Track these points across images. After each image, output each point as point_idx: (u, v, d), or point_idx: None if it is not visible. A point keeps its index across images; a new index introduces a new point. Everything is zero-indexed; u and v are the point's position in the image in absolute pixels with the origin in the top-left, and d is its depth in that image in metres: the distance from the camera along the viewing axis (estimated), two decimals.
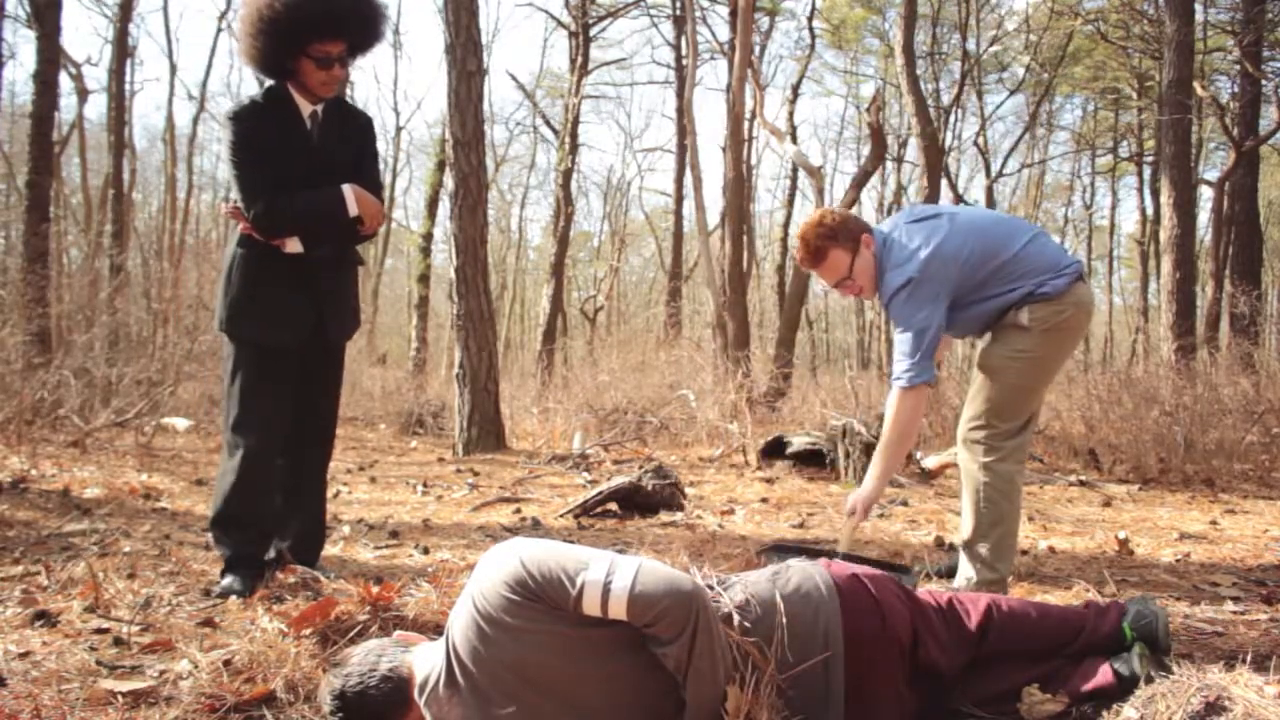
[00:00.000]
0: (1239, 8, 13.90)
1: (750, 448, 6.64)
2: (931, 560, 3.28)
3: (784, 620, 1.67)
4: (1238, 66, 13.73)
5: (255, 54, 2.76)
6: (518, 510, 4.71)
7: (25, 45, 43.06)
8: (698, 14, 17.22)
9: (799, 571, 1.79)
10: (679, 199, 20.07)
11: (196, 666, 1.98)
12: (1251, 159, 12.95)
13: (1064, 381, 8.05)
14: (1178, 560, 3.54)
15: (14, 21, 14.09)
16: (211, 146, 26.41)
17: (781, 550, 2.87)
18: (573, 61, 19.60)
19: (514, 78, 27.27)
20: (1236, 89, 14.45)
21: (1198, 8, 12.26)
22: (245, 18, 2.73)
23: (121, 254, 13.34)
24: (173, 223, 21.65)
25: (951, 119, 20.66)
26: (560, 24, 21.20)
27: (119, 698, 1.84)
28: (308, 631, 2.09)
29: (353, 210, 2.84)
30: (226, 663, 1.99)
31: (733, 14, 14.53)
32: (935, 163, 12.30)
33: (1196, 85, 12.44)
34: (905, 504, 4.91)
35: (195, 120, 22.74)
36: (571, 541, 2.18)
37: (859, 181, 12.15)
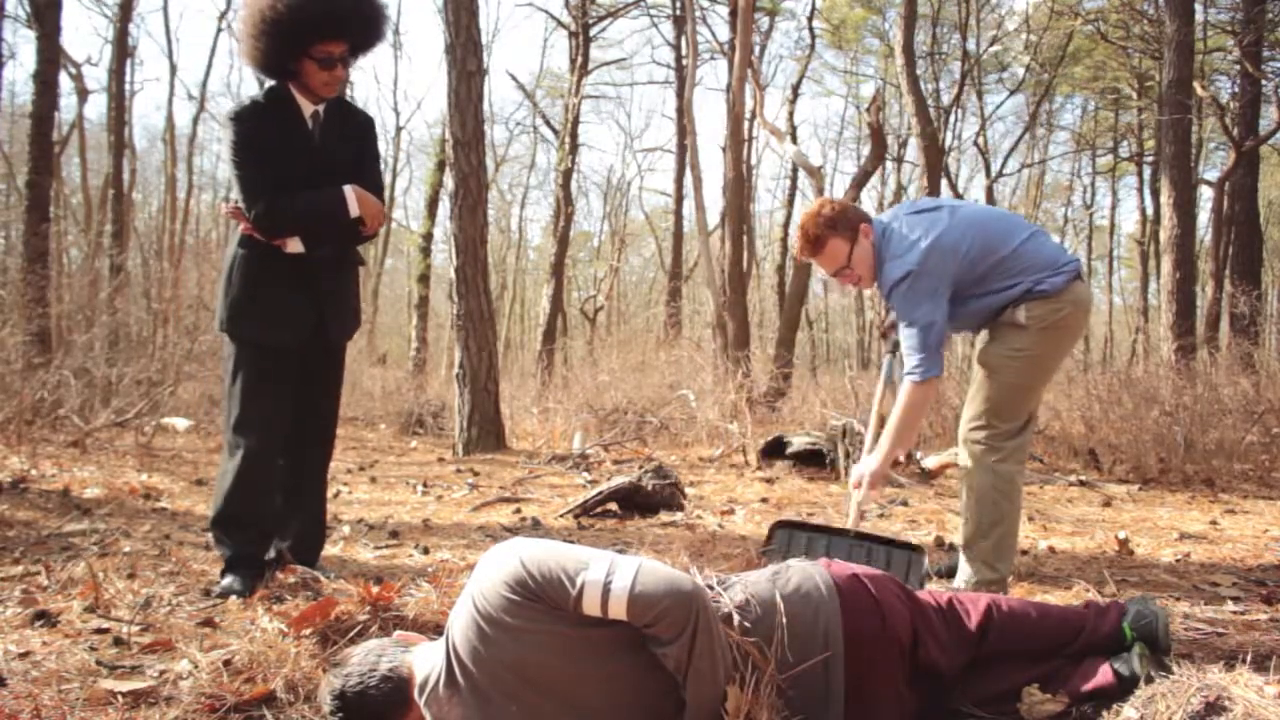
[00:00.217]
0: (1239, 8, 13.90)
1: (750, 448, 6.64)
2: (931, 560, 3.28)
3: (784, 620, 1.67)
4: (1238, 66, 13.73)
5: (257, 54, 2.76)
6: (518, 510, 4.71)
7: (25, 45, 43.05)
8: (698, 14, 17.21)
9: (799, 571, 1.79)
10: (679, 199, 20.07)
11: (196, 666, 1.98)
12: (1251, 159, 12.94)
13: (1064, 381, 8.05)
14: (1178, 560, 3.54)
15: (14, 21, 14.10)
16: (211, 146, 26.43)
17: (791, 527, 2.88)
18: (573, 61, 19.60)
19: (514, 78, 27.30)
20: (1236, 89, 14.45)
21: (1198, 8, 12.26)
22: (247, 18, 2.73)
23: (121, 254, 13.33)
24: (173, 223, 21.64)
25: (951, 119, 20.66)
26: (560, 24, 21.20)
27: (119, 698, 1.84)
28: (308, 631, 2.09)
29: (354, 210, 2.84)
30: (226, 663, 1.99)
31: (733, 14, 14.53)
32: (935, 163, 12.31)
33: (1196, 85, 12.44)
34: (905, 504, 4.91)
35: (195, 120, 22.75)
36: (571, 541, 2.18)
37: (859, 181, 12.15)
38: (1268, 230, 20.42)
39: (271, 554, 2.96)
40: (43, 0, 9.89)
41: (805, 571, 1.79)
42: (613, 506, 4.60)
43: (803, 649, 1.67)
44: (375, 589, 2.25)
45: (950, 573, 3.08)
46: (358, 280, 3.15)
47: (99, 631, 2.30)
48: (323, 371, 3.01)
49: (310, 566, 2.93)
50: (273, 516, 2.95)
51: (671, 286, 20.09)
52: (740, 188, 12.95)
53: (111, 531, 3.74)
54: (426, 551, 3.56)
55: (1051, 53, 18.37)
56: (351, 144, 2.97)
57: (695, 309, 23.84)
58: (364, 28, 2.85)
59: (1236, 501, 5.06)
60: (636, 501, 4.56)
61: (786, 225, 22.49)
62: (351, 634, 2.09)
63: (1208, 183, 16.81)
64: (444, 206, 13.91)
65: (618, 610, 1.52)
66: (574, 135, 19.49)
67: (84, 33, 43.27)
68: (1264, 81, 13.14)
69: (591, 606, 1.53)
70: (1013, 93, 20.54)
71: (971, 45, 18.02)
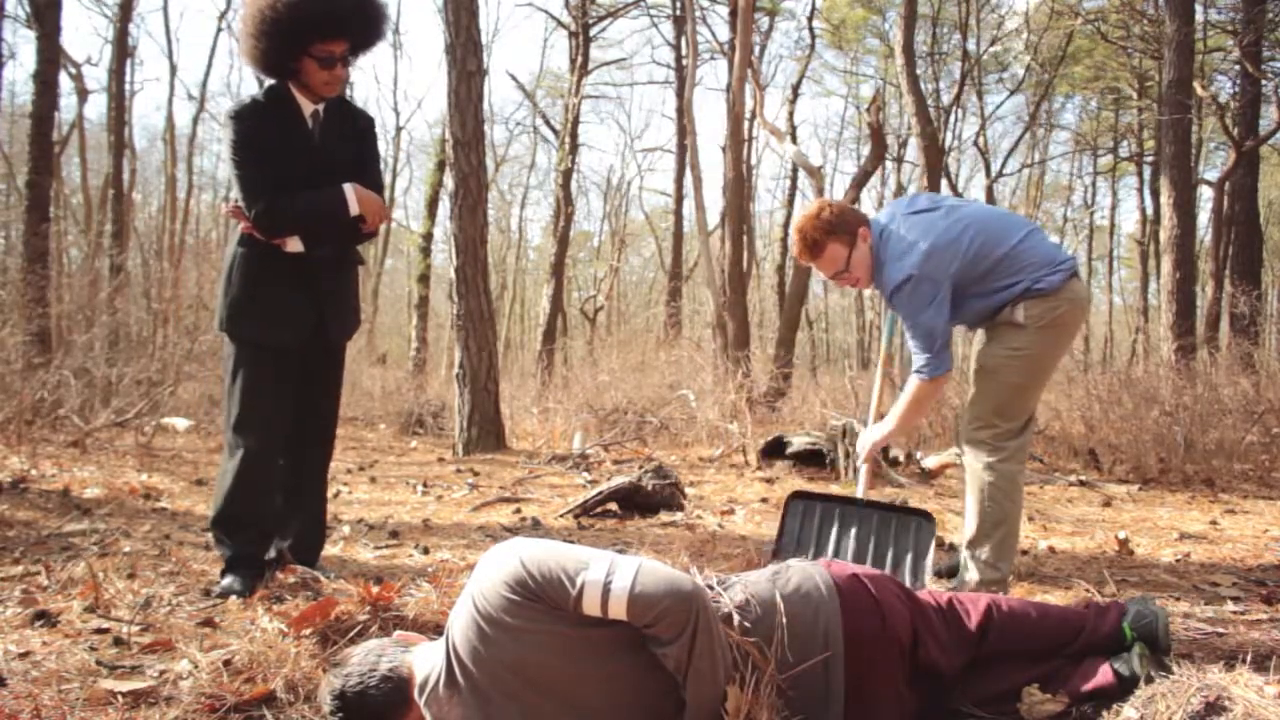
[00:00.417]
0: (1239, 8, 13.88)
1: (750, 448, 6.64)
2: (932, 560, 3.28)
3: (784, 620, 1.68)
4: (1238, 66, 13.72)
5: (257, 54, 2.76)
6: (518, 510, 4.71)
7: (25, 45, 43.07)
8: (698, 14, 17.22)
9: (799, 571, 1.79)
10: (679, 199, 20.07)
11: (196, 666, 1.98)
12: (1251, 159, 12.93)
13: (1064, 381, 8.05)
14: (1178, 560, 3.54)
15: (14, 21, 14.09)
16: (211, 146, 26.42)
17: (806, 497, 3.00)
18: (573, 61, 19.60)
19: (514, 78, 27.26)
20: (1236, 89, 14.44)
21: (1198, 8, 12.25)
22: (247, 18, 2.73)
23: (121, 254, 13.33)
24: (173, 223, 21.63)
25: (951, 119, 20.67)
26: (560, 24, 21.20)
27: (119, 698, 1.84)
28: (308, 631, 2.09)
29: (354, 209, 2.84)
30: (226, 663, 1.99)
31: (733, 14, 14.53)
32: (935, 163, 12.30)
33: (1196, 85, 12.43)
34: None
35: (195, 120, 22.74)
36: (571, 541, 2.18)
37: (859, 181, 12.14)
38: (1268, 230, 20.41)
39: (271, 554, 2.96)
40: (43, 0, 9.90)
41: (805, 571, 1.79)
42: (613, 506, 4.60)
43: (803, 649, 1.67)
44: (375, 589, 2.25)
45: (950, 573, 3.08)
46: (358, 280, 3.15)
47: (99, 631, 2.30)
48: (323, 371, 3.01)
49: (310, 566, 2.93)
50: (273, 516, 2.95)
51: (671, 286, 20.09)
52: (740, 188, 12.95)
53: (111, 531, 3.74)
54: (426, 551, 3.56)
55: (1051, 53, 18.37)
56: (351, 143, 2.97)
57: (695, 309, 23.84)
58: (364, 27, 2.85)
59: (1236, 501, 5.06)
60: (636, 501, 4.56)
61: (786, 225, 22.46)
62: (351, 634, 2.09)
63: (1208, 183, 16.80)
64: (444, 206, 13.91)
65: (618, 610, 1.52)
66: (574, 135, 19.49)
67: (84, 33, 43.28)
68: (1264, 81, 13.14)
69: (591, 606, 1.53)
70: (1013, 93, 20.56)
71: (971, 45, 18.04)
